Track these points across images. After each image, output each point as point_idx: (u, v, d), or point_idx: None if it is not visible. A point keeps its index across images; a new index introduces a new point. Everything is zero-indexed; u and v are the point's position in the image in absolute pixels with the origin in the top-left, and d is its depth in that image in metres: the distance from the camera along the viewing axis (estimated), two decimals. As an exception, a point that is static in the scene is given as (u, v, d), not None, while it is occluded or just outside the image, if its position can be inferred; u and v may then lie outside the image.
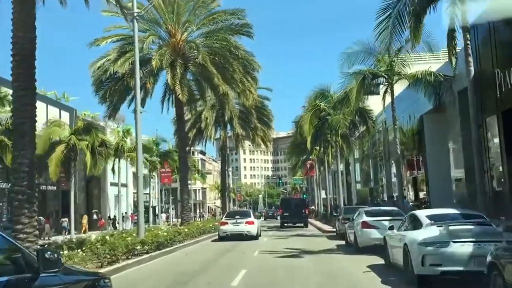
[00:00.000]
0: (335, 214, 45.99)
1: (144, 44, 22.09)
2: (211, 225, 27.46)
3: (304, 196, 76.55)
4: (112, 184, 51.03)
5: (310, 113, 29.92)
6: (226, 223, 23.18)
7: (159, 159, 46.34)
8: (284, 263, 13.80)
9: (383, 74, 22.89)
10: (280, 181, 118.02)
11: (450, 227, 8.42)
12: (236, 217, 23.77)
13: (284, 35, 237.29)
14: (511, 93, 16.17)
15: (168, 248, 17.19)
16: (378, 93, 36.06)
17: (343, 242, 19.22)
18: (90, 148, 31.46)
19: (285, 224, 36.91)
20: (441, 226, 8.60)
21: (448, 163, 24.96)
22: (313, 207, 50.18)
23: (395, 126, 23.12)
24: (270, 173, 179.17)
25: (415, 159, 31.04)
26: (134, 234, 16.47)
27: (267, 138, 40.25)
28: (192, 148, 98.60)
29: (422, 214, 10.08)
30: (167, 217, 62.55)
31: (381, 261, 12.86)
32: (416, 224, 9.73)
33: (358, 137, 33.72)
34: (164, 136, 46.92)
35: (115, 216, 50.46)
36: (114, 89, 23.36)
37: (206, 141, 40.19)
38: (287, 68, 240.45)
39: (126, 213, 54.39)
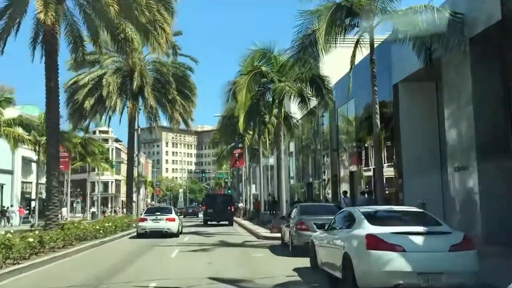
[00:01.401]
0: (265, 212, 38.84)
1: None
2: (97, 227, 18.49)
3: (229, 191, 68.91)
4: (-12, 170, 39.89)
5: (248, 77, 21.71)
6: (145, 219, 21.67)
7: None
8: None
9: (360, 9, 15.25)
10: (204, 174, 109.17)
11: None
12: (156, 213, 22.13)
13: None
14: None
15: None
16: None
17: (302, 262, 11.24)
18: None
19: (209, 222, 33.32)
20: None
21: (436, 148, 18.07)
22: (241, 204, 42.19)
23: (375, 87, 15.56)
24: (193, 167, 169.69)
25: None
26: None
27: (188, 115, 31.52)
28: (104, 133, 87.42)
29: None
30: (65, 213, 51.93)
31: None
32: None
33: (306, 114, 26.15)
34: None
35: (-6, 211, 39.43)
36: None
37: (109, 115, 30.78)
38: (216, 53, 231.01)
39: (11, 206, 43.30)
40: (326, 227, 9.84)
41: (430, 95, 18.57)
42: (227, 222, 32.88)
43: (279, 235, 18.54)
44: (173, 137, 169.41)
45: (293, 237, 14.03)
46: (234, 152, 42.48)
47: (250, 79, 21.84)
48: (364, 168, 24.80)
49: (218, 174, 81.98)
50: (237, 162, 43.22)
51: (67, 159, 40.60)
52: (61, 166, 42.67)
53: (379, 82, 16.10)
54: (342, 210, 10.25)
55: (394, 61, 19.29)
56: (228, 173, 74.16)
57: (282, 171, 24.59)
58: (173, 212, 23.16)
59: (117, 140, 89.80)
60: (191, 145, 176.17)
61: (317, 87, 22.46)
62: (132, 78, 27.54)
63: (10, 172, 43.23)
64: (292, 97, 23.91)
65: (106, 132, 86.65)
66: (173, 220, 21.63)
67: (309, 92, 23.47)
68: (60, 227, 16.09)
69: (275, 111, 28.09)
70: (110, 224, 20.34)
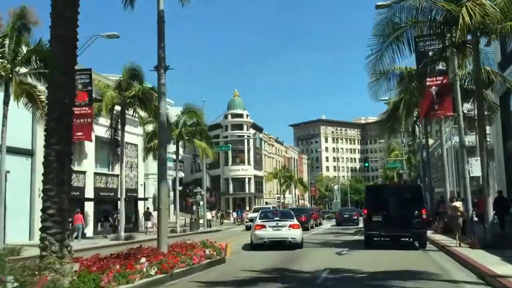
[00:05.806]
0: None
1: None
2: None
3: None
4: None
5: None
6: (263, 226, 17.28)
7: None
8: None
9: None
10: (367, 164, 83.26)
11: None
12: (275, 218, 17.96)
13: None
14: None
15: None
16: None
17: None
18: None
19: (375, 239, 16.88)
20: None
21: None
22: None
23: None
24: (357, 165, 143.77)
25: None
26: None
27: None
28: (237, 117, 68.96)
29: None
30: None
31: None
32: None
33: None
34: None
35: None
36: None
37: None
38: None
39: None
40: None
41: None
42: (411, 240, 16.71)
43: None
44: (333, 132, 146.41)
45: None
46: (429, 82, 17.62)
47: None
48: None
49: (387, 164, 55.83)
50: (436, 108, 18.34)
51: (90, 119, 20.69)
52: (80, 135, 22.81)
53: None
54: None
55: None
56: (402, 156, 47.41)
57: None
58: (294, 217, 18.52)
59: (255, 127, 70.18)
60: (353, 140, 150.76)
61: None
62: None
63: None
64: None
65: (240, 115, 67.67)
66: (297, 227, 17.44)
67: None
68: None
69: None
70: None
